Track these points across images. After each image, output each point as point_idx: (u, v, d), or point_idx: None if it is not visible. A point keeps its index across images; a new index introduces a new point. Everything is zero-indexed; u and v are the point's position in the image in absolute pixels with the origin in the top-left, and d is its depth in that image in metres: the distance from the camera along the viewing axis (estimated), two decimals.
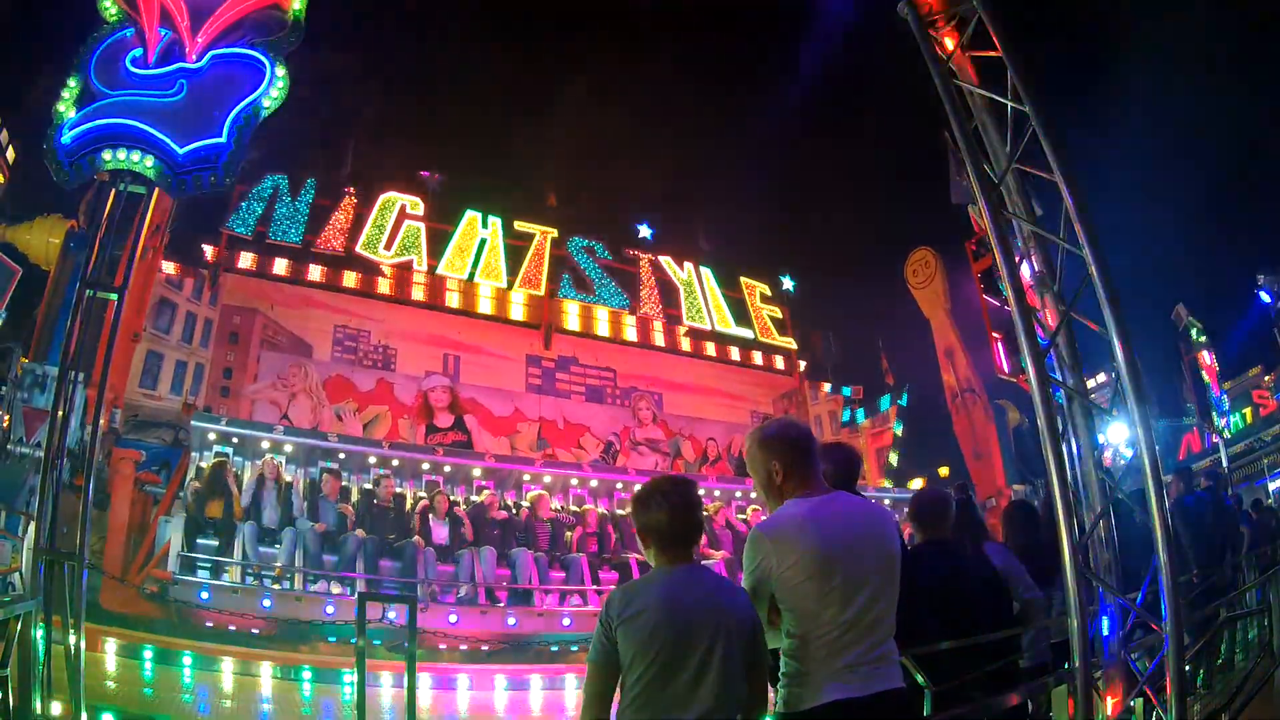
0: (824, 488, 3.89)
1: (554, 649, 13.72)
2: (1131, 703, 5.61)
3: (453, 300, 23.13)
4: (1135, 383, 5.92)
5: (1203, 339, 25.93)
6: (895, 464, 25.27)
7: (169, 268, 19.06)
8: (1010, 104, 6.66)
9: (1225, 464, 22.50)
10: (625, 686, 3.51)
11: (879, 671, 3.65)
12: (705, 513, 17.05)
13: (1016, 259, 6.62)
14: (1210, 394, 25.02)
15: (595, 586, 15.21)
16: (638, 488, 3.89)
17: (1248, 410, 28.17)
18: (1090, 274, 6.02)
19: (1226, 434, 25.33)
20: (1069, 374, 6.63)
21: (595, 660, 3.58)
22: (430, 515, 15.12)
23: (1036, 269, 6.86)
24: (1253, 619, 10.67)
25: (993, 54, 6.72)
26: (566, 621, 14.38)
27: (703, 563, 3.87)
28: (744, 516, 18.79)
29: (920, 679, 5.04)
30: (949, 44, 6.92)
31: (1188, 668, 8.87)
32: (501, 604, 14.47)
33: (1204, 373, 25.37)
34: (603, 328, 25.09)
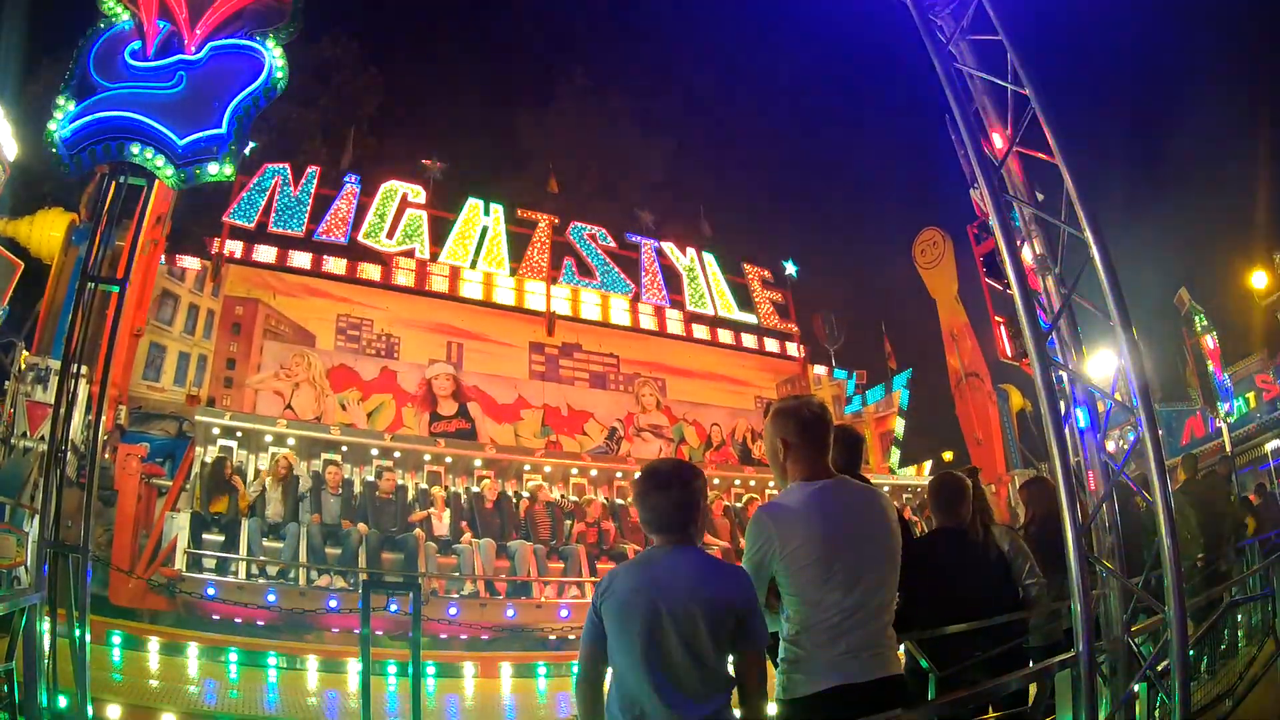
0: (830, 471, 3.87)
1: (552, 637, 13.76)
2: (1135, 687, 5.61)
3: (456, 288, 23.10)
4: (1137, 365, 5.92)
5: (1205, 323, 25.86)
6: (897, 460, 25.30)
7: (170, 259, 19.10)
8: (1010, 87, 6.65)
9: (1229, 449, 22.44)
10: (612, 667, 3.54)
11: (879, 657, 3.66)
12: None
13: (1018, 242, 6.61)
14: (1213, 379, 24.95)
15: (593, 578, 15.25)
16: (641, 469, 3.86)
17: (1251, 395, 28.09)
18: (1091, 257, 6.01)
19: (1230, 419, 25.28)
20: (1071, 357, 6.63)
21: (585, 637, 3.64)
22: (431, 511, 15.16)
23: (1038, 252, 6.85)
24: (1256, 604, 10.67)
25: (993, 37, 6.71)
26: (564, 613, 14.43)
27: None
28: (740, 504, 18.84)
29: (924, 663, 5.05)
30: (949, 27, 6.91)
31: (1191, 652, 8.91)
32: (500, 596, 14.53)
33: (1207, 357, 25.29)
34: (606, 314, 25.05)
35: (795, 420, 3.88)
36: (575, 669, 3.70)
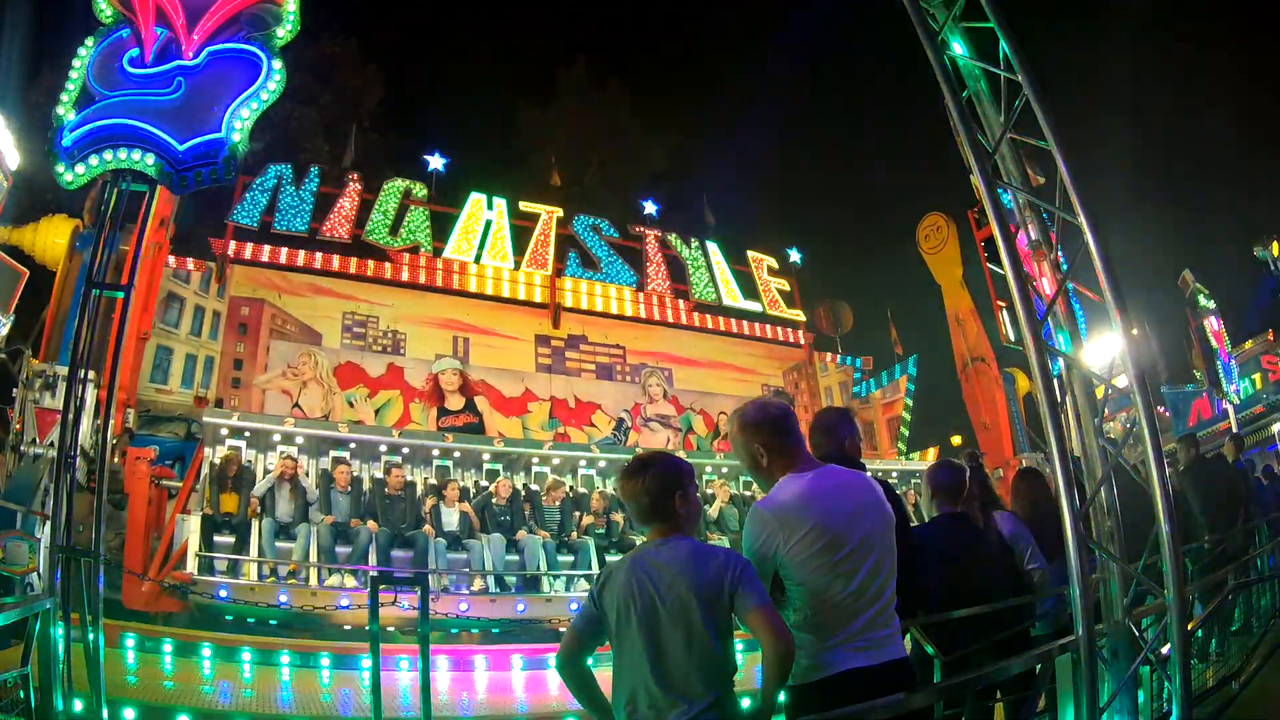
0: (814, 461, 3.93)
1: (562, 630, 13.77)
2: (1137, 669, 5.64)
3: (460, 283, 23.12)
4: (1132, 350, 5.94)
5: (1210, 304, 25.85)
6: (904, 446, 25.26)
7: (175, 262, 19.15)
8: (1003, 74, 6.66)
9: (1236, 429, 22.42)
10: (614, 662, 3.59)
11: (888, 640, 3.71)
12: (710, 490, 17.17)
13: (1013, 228, 6.64)
14: (1219, 360, 24.96)
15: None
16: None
17: (1257, 376, 28.07)
18: (1086, 243, 6.04)
19: (1235, 400, 25.27)
20: (1068, 342, 6.64)
21: (575, 621, 3.76)
22: (440, 505, 15.16)
23: (1034, 237, 6.86)
24: (1265, 586, 10.68)
25: (985, 24, 6.72)
26: (574, 607, 14.41)
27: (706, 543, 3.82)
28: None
29: (930, 649, 5.09)
30: (941, 16, 6.92)
31: (1199, 634, 8.93)
32: (511, 591, 14.57)
33: (1211, 338, 25.30)
34: (611, 305, 25.06)
35: (767, 424, 3.96)
36: (556, 654, 3.77)
